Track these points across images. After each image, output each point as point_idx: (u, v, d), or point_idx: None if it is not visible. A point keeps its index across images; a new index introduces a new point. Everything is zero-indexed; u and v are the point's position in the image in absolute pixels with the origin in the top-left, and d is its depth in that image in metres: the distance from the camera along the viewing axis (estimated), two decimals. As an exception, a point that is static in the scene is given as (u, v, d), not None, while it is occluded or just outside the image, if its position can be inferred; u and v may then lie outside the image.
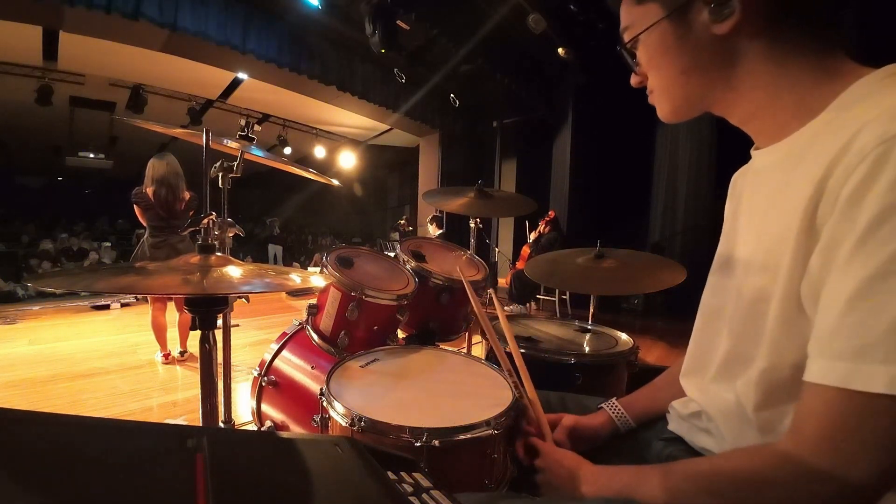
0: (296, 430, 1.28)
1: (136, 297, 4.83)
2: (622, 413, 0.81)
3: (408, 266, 1.43)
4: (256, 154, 1.43)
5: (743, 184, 0.64)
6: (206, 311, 0.78)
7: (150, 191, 2.86)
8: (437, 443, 0.75)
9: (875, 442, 0.40)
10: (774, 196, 0.53)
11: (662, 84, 0.60)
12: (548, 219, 4.96)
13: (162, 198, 2.86)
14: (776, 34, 0.51)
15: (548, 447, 0.72)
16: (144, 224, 2.92)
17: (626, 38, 0.60)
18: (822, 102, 0.49)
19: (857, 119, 0.44)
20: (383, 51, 3.86)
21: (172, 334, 3.05)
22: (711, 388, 0.62)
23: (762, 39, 0.51)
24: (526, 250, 5.04)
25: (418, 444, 0.74)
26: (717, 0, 0.51)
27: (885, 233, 0.39)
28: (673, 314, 4.80)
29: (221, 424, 1.43)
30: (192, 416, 2.22)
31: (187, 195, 2.98)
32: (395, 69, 5.17)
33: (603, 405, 0.83)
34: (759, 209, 0.57)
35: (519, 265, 4.99)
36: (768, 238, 0.52)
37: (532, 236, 5.05)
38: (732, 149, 0.64)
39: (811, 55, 0.50)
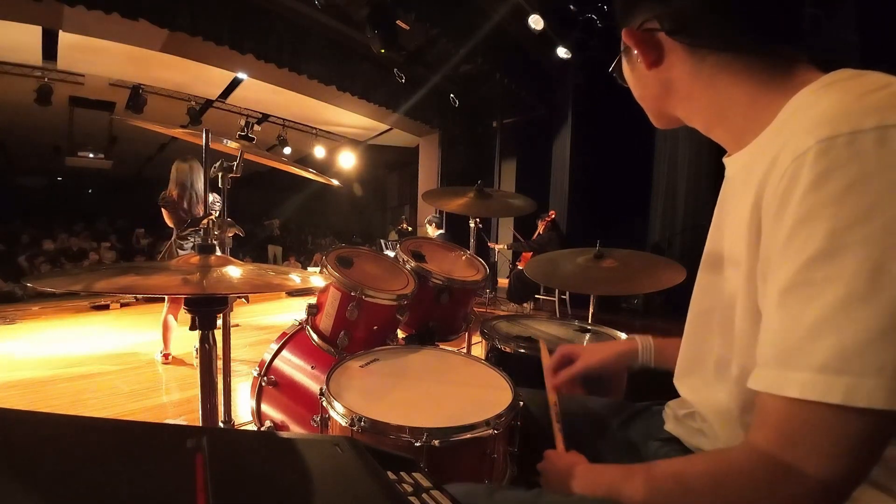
0: (296, 430, 1.28)
1: (135, 298, 4.83)
2: (650, 348, 0.84)
3: (407, 266, 1.43)
4: (256, 154, 1.43)
5: (724, 188, 0.65)
6: (206, 311, 0.79)
7: (174, 193, 2.88)
8: (436, 443, 0.75)
9: (819, 447, 0.40)
10: (735, 205, 0.56)
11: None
12: (548, 220, 4.96)
13: (192, 200, 2.89)
14: (698, 64, 0.55)
15: (551, 452, 0.73)
16: (173, 226, 2.93)
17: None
18: (770, 114, 0.50)
19: (787, 132, 0.45)
20: (383, 51, 3.87)
21: (177, 335, 3.05)
22: (704, 389, 0.63)
23: (686, 70, 0.56)
24: (527, 254, 5.04)
25: (418, 444, 0.74)
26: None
27: (796, 246, 0.41)
28: (673, 314, 4.79)
29: (221, 424, 1.43)
30: (192, 416, 2.21)
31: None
32: (395, 69, 5.16)
33: (636, 336, 0.86)
34: (729, 216, 0.59)
35: (520, 265, 4.99)
36: (734, 245, 0.55)
37: (534, 237, 5.05)
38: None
39: (744, 74, 0.53)
